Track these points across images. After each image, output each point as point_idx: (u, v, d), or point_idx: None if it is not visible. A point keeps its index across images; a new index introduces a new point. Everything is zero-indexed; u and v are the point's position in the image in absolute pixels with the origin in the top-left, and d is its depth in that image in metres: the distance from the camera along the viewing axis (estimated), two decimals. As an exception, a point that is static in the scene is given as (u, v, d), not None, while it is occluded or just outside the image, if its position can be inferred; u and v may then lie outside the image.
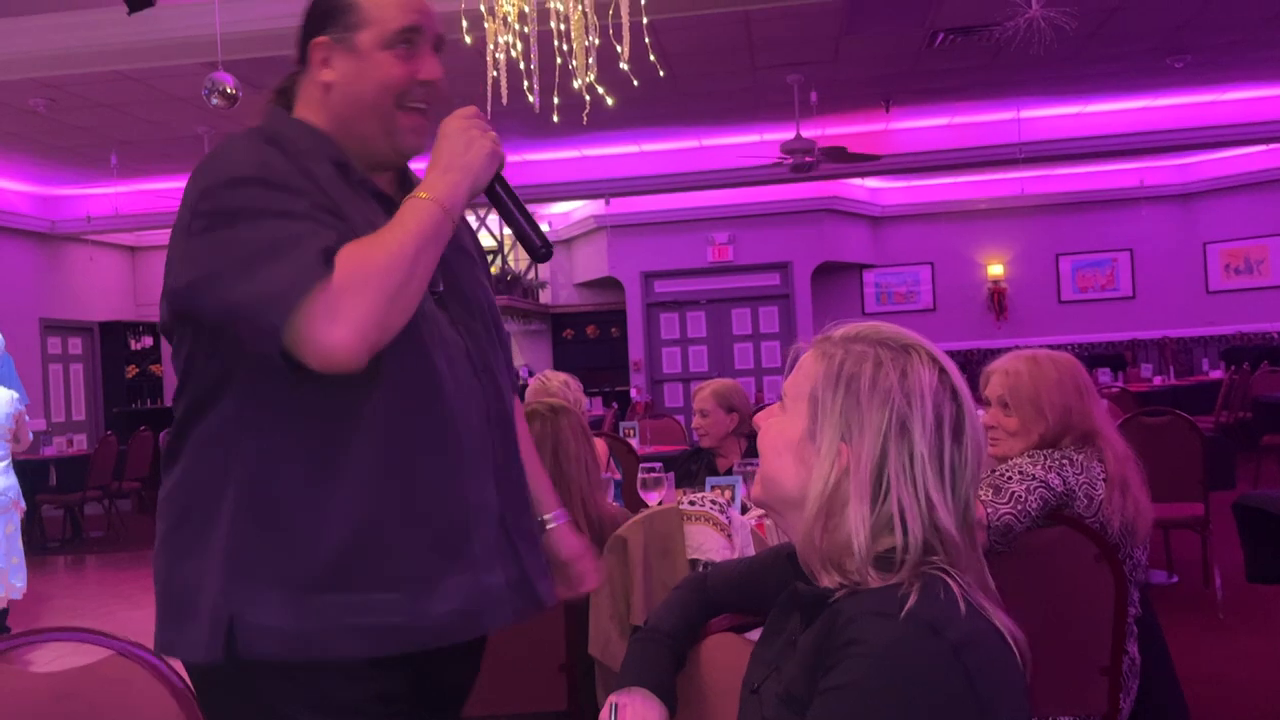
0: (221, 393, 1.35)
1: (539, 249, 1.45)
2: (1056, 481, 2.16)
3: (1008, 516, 2.11)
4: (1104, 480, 2.20)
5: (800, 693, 1.02)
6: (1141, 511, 2.22)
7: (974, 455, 1.07)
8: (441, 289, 1.44)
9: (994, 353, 2.47)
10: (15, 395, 5.33)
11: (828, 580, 1.08)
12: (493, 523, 1.42)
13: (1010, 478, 2.15)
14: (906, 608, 0.97)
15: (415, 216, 1.32)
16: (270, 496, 1.32)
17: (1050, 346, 2.52)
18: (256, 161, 1.33)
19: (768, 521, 2.62)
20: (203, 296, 1.29)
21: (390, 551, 1.33)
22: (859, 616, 0.99)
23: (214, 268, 1.27)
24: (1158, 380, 10.15)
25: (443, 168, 1.38)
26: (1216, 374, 10.24)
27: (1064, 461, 2.19)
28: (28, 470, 7.58)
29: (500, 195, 1.45)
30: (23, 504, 5.42)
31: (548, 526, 1.63)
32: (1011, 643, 1.00)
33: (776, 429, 1.14)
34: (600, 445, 3.77)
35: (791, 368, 1.15)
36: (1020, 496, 2.12)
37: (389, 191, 1.48)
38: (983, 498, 2.12)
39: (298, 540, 1.31)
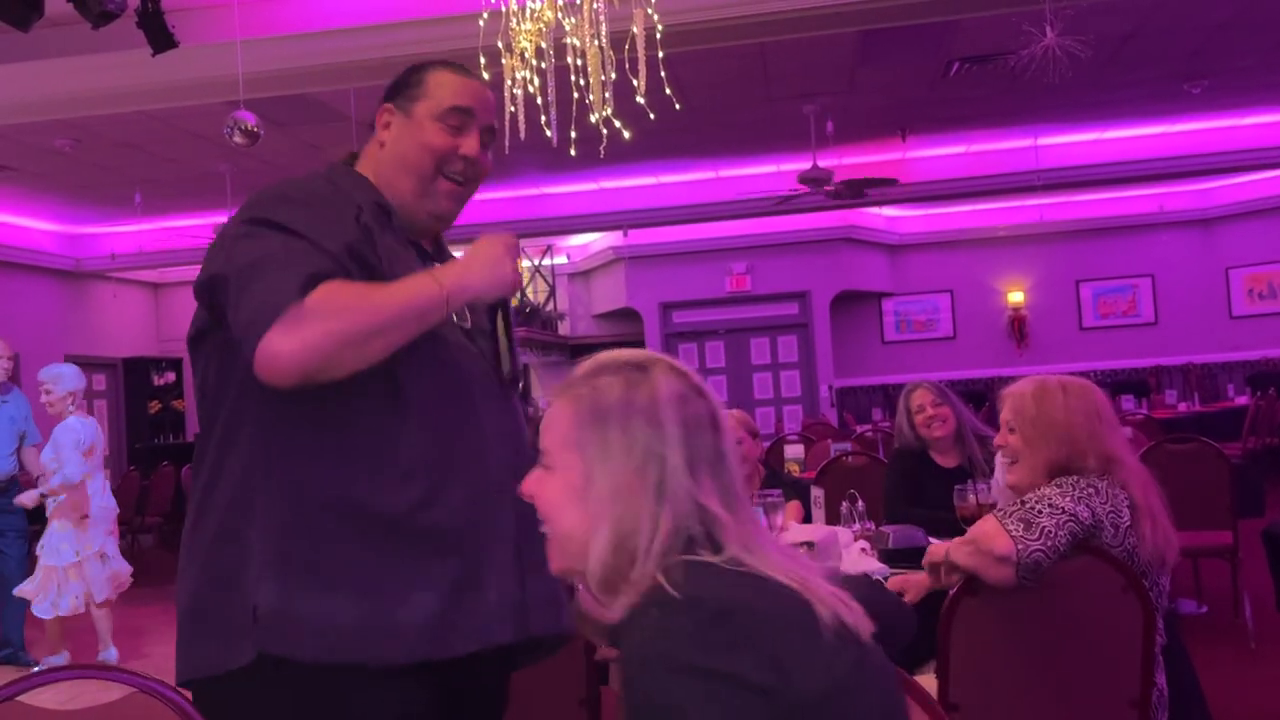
0: (248, 403, 1.44)
1: (504, 372, 1.57)
2: (1085, 514, 2.13)
3: (1038, 554, 2.08)
4: (1129, 508, 2.17)
5: None
6: (1170, 540, 2.19)
7: (731, 442, 1.13)
8: (470, 325, 1.56)
9: (1015, 380, 2.45)
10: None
11: (621, 604, 1.07)
12: (507, 546, 1.49)
13: (1040, 511, 2.12)
14: (661, 598, 0.99)
15: (415, 288, 1.43)
16: (298, 511, 1.40)
17: (1072, 374, 2.49)
18: (304, 186, 1.53)
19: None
20: (211, 291, 1.45)
21: (403, 563, 1.40)
22: (626, 629, 1.01)
23: (225, 270, 1.42)
24: (1182, 407, 10.04)
25: (464, 266, 1.49)
26: (1242, 400, 10.14)
27: (1090, 490, 2.16)
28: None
29: (497, 316, 1.59)
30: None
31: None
32: (802, 595, 1.00)
33: (554, 489, 1.13)
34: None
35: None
36: (1050, 532, 2.09)
37: (427, 248, 1.64)
38: (1012, 532, 2.09)
39: (329, 550, 1.39)
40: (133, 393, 12.66)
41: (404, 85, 1.62)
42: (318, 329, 1.34)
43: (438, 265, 1.55)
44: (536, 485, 1.15)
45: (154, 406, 12.78)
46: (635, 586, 1.04)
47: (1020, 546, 2.07)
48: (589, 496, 1.09)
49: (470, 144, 1.59)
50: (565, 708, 2.30)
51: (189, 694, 1.40)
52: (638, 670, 0.96)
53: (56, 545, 5.30)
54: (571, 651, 2.25)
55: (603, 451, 1.09)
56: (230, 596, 1.38)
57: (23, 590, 5.32)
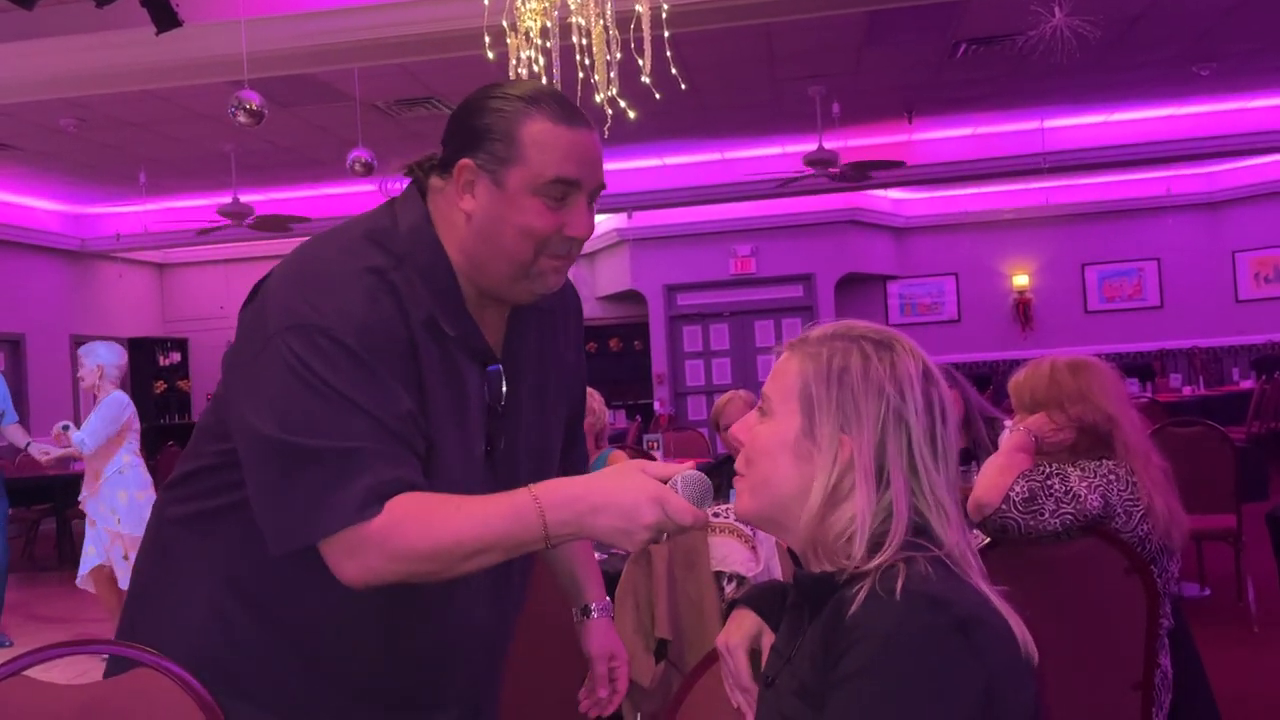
0: (225, 515, 1.37)
1: None
2: (1095, 503, 2.12)
3: (1010, 523, 2.10)
4: (1145, 494, 2.17)
5: (812, 684, 1.02)
6: (1177, 522, 2.20)
7: (956, 436, 1.13)
8: (503, 404, 1.38)
9: (1019, 363, 2.45)
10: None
11: (822, 568, 1.10)
12: (452, 698, 1.44)
13: (1052, 490, 2.11)
14: (904, 586, 0.99)
15: (507, 520, 1.20)
16: (229, 614, 1.36)
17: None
18: (358, 323, 1.24)
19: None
20: (249, 455, 1.26)
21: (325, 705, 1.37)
22: (857, 601, 1.00)
23: (271, 443, 1.22)
24: (1187, 390, 10.03)
25: (587, 503, 1.19)
26: (1247, 384, 10.12)
27: (1110, 479, 2.16)
28: (59, 485, 7.67)
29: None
30: None
31: (589, 616, 1.66)
32: (1014, 627, 1.01)
33: (768, 433, 1.13)
34: (620, 458, 3.77)
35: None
36: (1042, 515, 2.09)
37: (495, 330, 1.39)
38: (1013, 495, 2.10)
39: (258, 671, 1.36)
40: (138, 373, 12.65)
41: (490, 137, 1.28)
42: (384, 563, 1.21)
43: (534, 484, 1.22)
44: (746, 432, 1.15)
45: (159, 387, 12.80)
46: (852, 562, 1.05)
47: (1002, 507, 2.09)
48: (801, 454, 1.09)
49: (578, 222, 1.31)
50: (567, 691, 2.30)
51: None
52: (880, 646, 0.96)
53: (141, 516, 5.36)
54: (571, 640, 2.26)
55: (830, 413, 1.08)
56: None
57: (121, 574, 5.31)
